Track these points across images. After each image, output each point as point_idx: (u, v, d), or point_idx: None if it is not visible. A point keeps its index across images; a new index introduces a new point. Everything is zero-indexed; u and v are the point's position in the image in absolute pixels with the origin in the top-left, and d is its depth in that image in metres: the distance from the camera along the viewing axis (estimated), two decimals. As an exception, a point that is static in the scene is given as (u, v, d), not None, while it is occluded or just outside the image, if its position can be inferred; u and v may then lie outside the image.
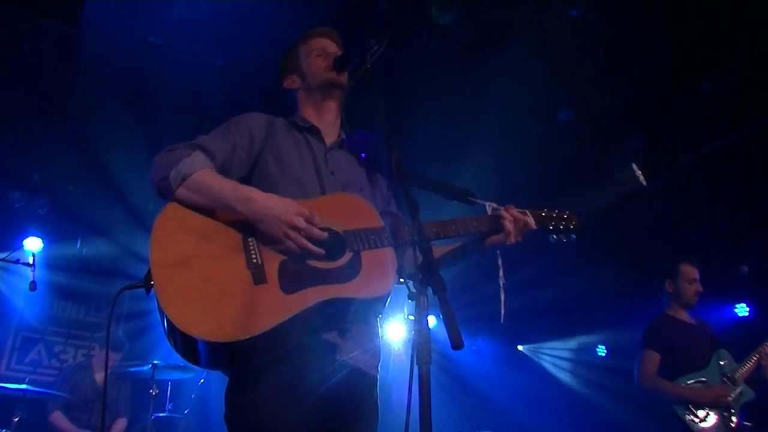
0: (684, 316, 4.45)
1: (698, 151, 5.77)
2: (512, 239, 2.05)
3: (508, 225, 2.05)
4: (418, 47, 4.93)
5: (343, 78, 2.23)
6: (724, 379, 4.16)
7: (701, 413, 4.01)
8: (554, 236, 2.23)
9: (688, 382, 4.15)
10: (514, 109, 5.39)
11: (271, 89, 5.20)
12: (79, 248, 7.39)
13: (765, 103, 5.02)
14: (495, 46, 4.98)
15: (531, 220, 2.10)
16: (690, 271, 4.45)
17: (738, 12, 4.38)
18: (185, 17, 4.75)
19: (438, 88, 5.46)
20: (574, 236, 2.24)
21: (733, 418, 4.03)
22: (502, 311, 2.06)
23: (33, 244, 6.11)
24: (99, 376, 5.72)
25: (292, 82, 2.34)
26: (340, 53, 2.24)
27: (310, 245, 1.80)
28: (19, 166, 6.71)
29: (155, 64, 5.27)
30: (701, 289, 4.42)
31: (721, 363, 4.22)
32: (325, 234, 1.84)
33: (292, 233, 1.78)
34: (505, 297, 2.06)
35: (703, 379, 4.15)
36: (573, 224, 2.23)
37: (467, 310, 7.49)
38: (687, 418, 4.01)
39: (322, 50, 2.28)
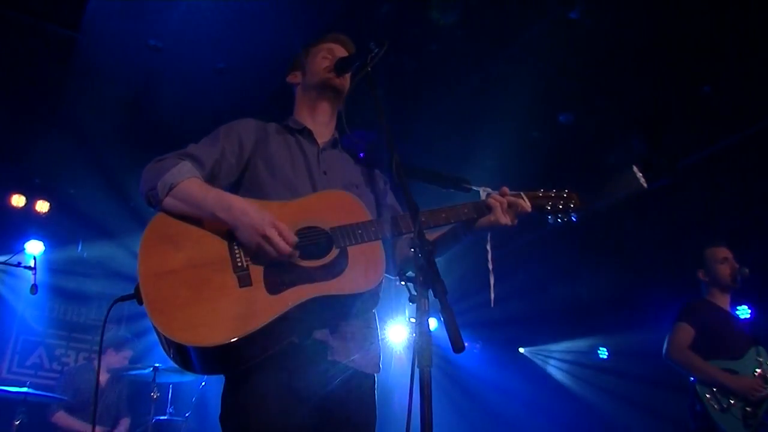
0: (724, 302, 4.17)
1: (699, 153, 5.77)
2: (508, 222, 2.00)
3: (500, 207, 2.01)
4: (419, 50, 4.93)
5: (341, 81, 2.25)
6: (756, 375, 3.86)
7: (724, 402, 3.74)
8: (552, 217, 2.16)
9: (719, 367, 3.89)
10: (514, 111, 5.39)
11: (270, 92, 5.25)
12: (80, 251, 7.39)
13: (766, 106, 5.02)
14: (495, 49, 4.99)
15: (525, 203, 2.05)
16: (719, 251, 4.19)
17: (738, 14, 4.38)
18: (186, 21, 4.77)
19: (438, 90, 5.46)
20: (575, 216, 2.16)
21: (756, 417, 3.73)
22: (492, 295, 2.03)
23: (34, 248, 6.12)
24: (102, 378, 5.72)
25: (293, 77, 2.38)
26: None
27: (278, 254, 1.77)
28: (20, 169, 6.73)
29: (156, 67, 5.29)
30: (738, 266, 4.12)
31: (758, 359, 3.93)
32: (297, 252, 1.81)
33: (264, 243, 1.77)
34: (494, 281, 2.03)
35: (735, 369, 3.88)
36: (573, 203, 2.16)
37: (467, 310, 7.48)
38: (708, 402, 3.76)
39: (329, 52, 2.30)
